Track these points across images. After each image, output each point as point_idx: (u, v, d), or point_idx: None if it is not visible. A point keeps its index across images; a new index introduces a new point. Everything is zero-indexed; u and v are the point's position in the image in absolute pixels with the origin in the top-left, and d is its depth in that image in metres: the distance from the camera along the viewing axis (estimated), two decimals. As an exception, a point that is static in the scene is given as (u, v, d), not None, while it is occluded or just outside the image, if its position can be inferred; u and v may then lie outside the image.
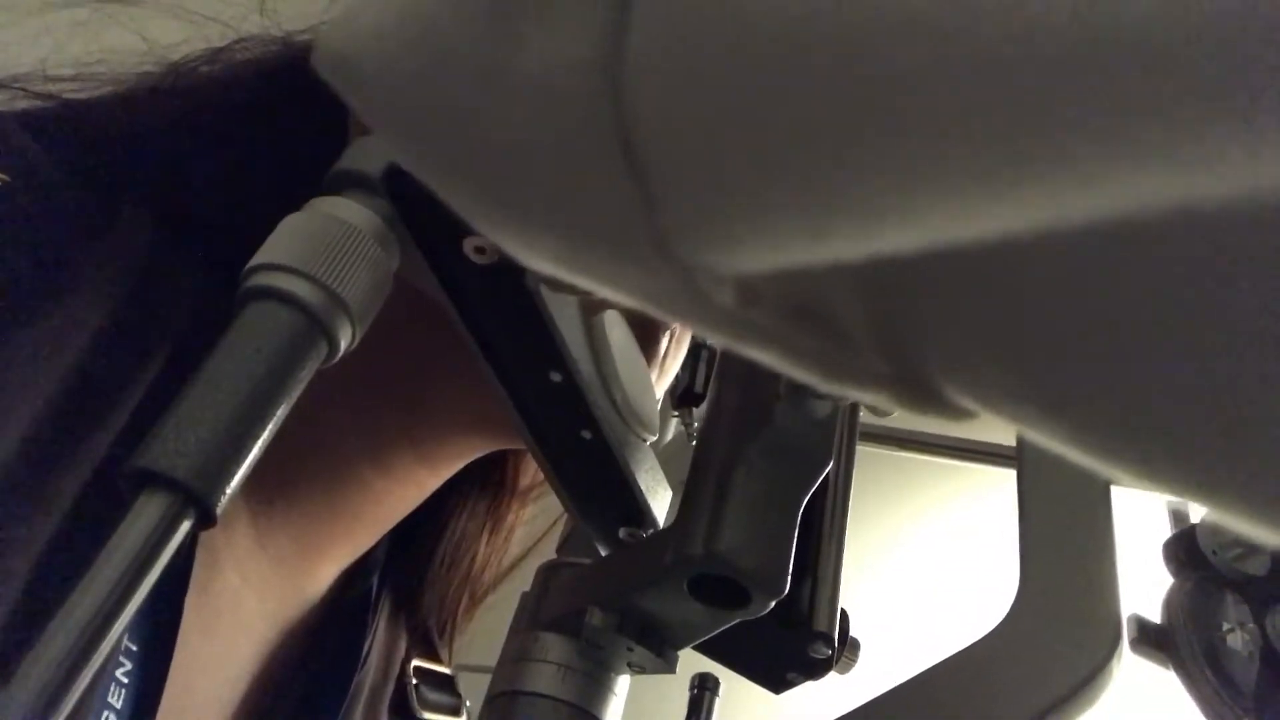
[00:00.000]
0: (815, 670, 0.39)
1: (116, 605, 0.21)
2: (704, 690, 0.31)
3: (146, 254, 0.32)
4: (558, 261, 0.13)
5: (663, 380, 0.43)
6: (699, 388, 0.57)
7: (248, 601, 0.38)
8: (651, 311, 0.14)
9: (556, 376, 0.34)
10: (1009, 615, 0.28)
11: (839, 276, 0.11)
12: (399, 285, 0.29)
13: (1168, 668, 0.57)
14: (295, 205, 0.28)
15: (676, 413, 0.59)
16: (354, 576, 0.44)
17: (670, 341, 0.42)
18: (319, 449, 0.39)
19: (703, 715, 0.29)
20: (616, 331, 0.35)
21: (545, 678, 0.28)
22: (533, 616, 0.30)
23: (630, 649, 0.29)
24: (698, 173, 0.10)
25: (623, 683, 0.30)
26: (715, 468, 0.28)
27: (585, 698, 0.28)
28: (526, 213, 0.12)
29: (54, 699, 0.19)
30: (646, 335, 0.39)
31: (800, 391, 0.28)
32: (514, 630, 0.30)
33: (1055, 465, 0.31)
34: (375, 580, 0.44)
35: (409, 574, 0.46)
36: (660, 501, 0.38)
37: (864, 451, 0.39)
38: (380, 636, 0.43)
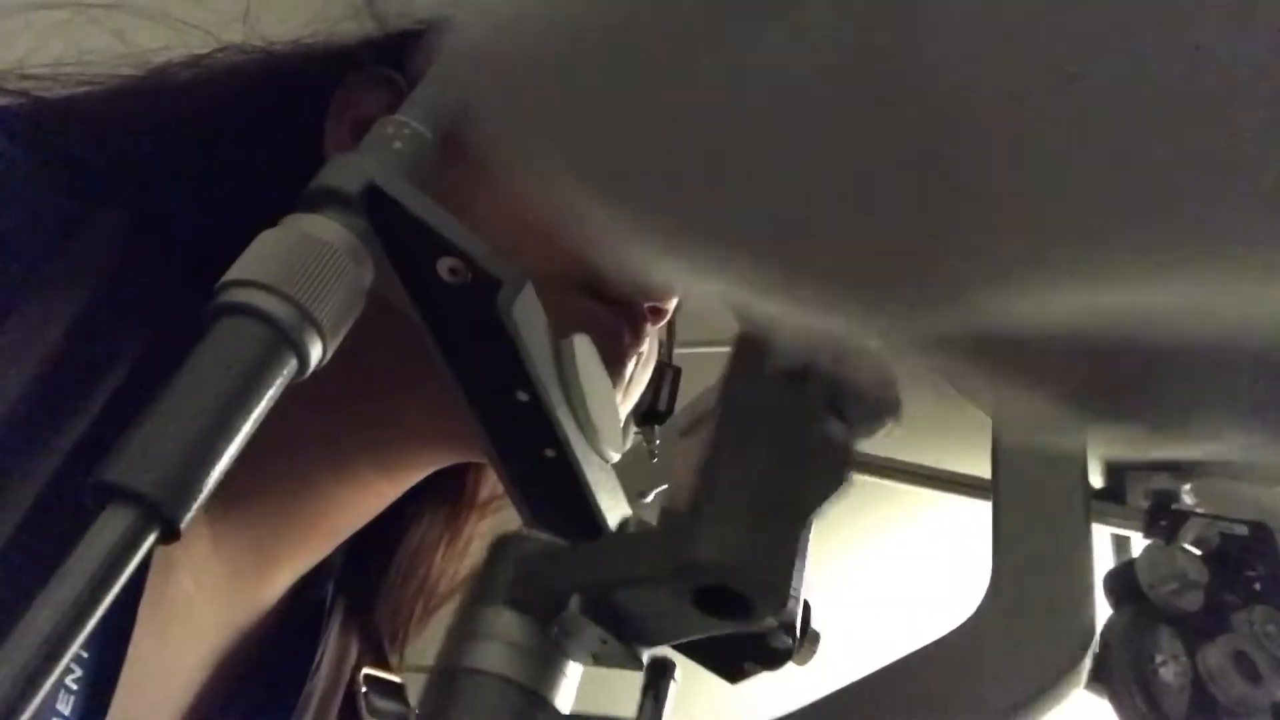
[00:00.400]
0: (774, 661, 0.38)
1: (77, 619, 0.21)
2: (659, 675, 0.29)
3: (118, 257, 0.32)
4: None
5: (627, 401, 0.44)
6: (662, 406, 0.57)
7: (201, 607, 0.37)
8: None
9: (523, 396, 0.34)
10: (976, 612, 0.26)
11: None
12: (371, 299, 0.29)
13: (1103, 696, 0.59)
14: (269, 214, 0.28)
15: (638, 429, 0.60)
16: (309, 583, 0.44)
17: (637, 365, 0.42)
18: (279, 457, 0.39)
19: (658, 701, 0.28)
20: (584, 353, 0.35)
21: (500, 657, 0.26)
22: (491, 591, 0.28)
23: (603, 641, 0.27)
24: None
25: (576, 669, 0.28)
26: (738, 476, 0.27)
27: (541, 683, 0.26)
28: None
29: (12, 712, 0.19)
30: (613, 357, 0.40)
31: (835, 411, 0.28)
32: (468, 603, 0.28)
33: (1034, 462, 0.29)
34: (330, 588, 0.44)
35: (364, 582, 0.46)
36: (617, 521, 0.38)
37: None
38: (332, 644, 0.43)
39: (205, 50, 0.39)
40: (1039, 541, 0.27)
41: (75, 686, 0.30)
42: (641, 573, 0.27)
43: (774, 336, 0.30)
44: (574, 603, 0.27)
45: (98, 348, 0.30)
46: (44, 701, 0.28)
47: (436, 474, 0.44)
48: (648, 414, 0.57)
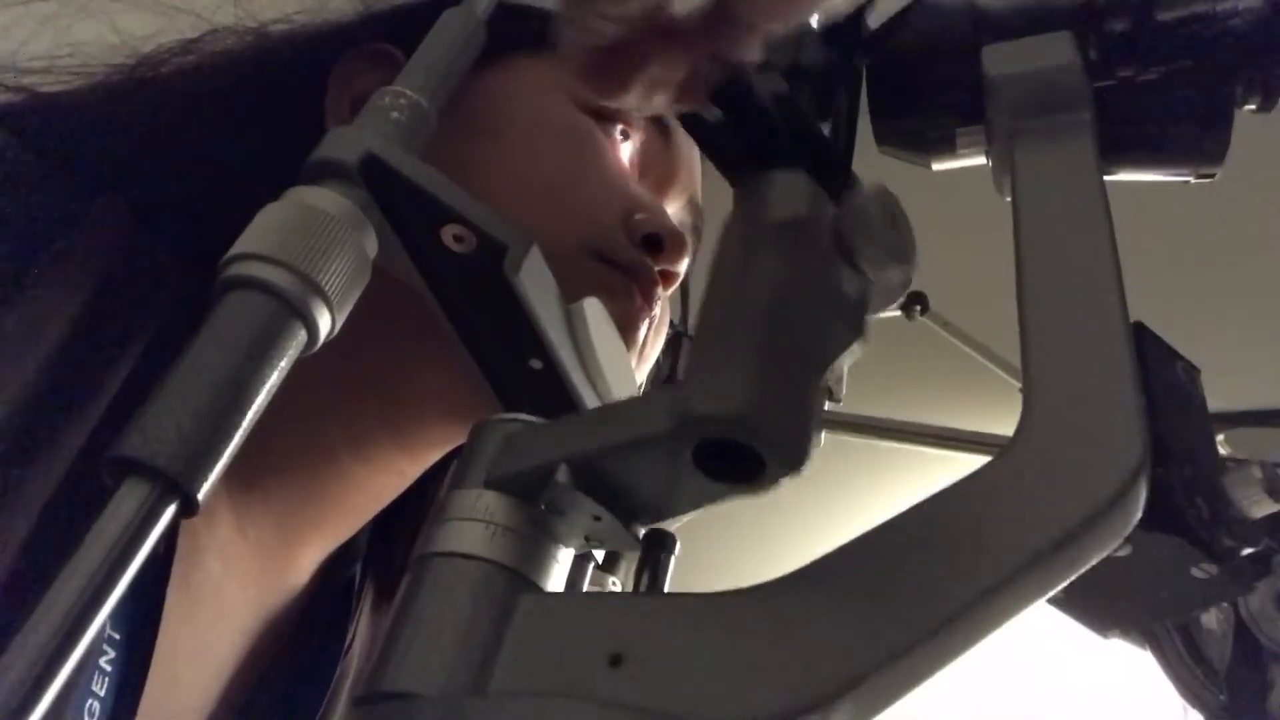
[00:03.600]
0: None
1: (99, 594, 0.21)
2: (657, 549, 0.26)
3: (121, 243, 0.32)
4: None
5: (642, 366, 0.44)
6: (680, 376, 0.57)
7: (229, 589, 0.38)
8: None
9: (537, 363, 0.34)
10: (1013, 440, 0.23)
11: None
12: (379, 273, 0.29)
13: (1144, 648, 0.58)
14: (271, 194, 0.28)
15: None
16: (337, 564, 0.44)
17: (649, 328, 0.42)
18: (298, 436, 0.39)
19: (658, 575, 0.25)
20: (596, 318, 0.35)
21: (481, 539, 0.23)
22: (468, 474, 0.25)
23: (597, 518, 0.24)
24: None
25: (567, 554, 0.25)
26: (739, 323, 0.24)
27: (526, 564, 0.23)
28: None
29: (36, 687, 0.19)
30: (626, 321, 0.40)
31: (846, 258, 0.26)
32: (447, 489, 0.25)
33: (1062, 274, 0.26)
34: (358, 568, 0.44)
35: (392, 562, 0.46)
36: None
37: (843, 442, 0.38)
38: (364, 624, 0.43)
39: (196, 35, 0.39)
40: (1074, 350, 0.24)
41: (109, 668, 0.30)
42: (635, 434, 0.23)
43: (774, 183, 0.28)
44: (562, 474, 0.24)
45: (109, 332, 0.30)
46: (78, 681, 0.28)
47: (458, 450, 0.44)
48: (667, 383, 0.57)
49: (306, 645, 0.41)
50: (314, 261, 0.26)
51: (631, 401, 0.26)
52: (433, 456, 0.42)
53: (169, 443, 0.22)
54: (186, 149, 0.37)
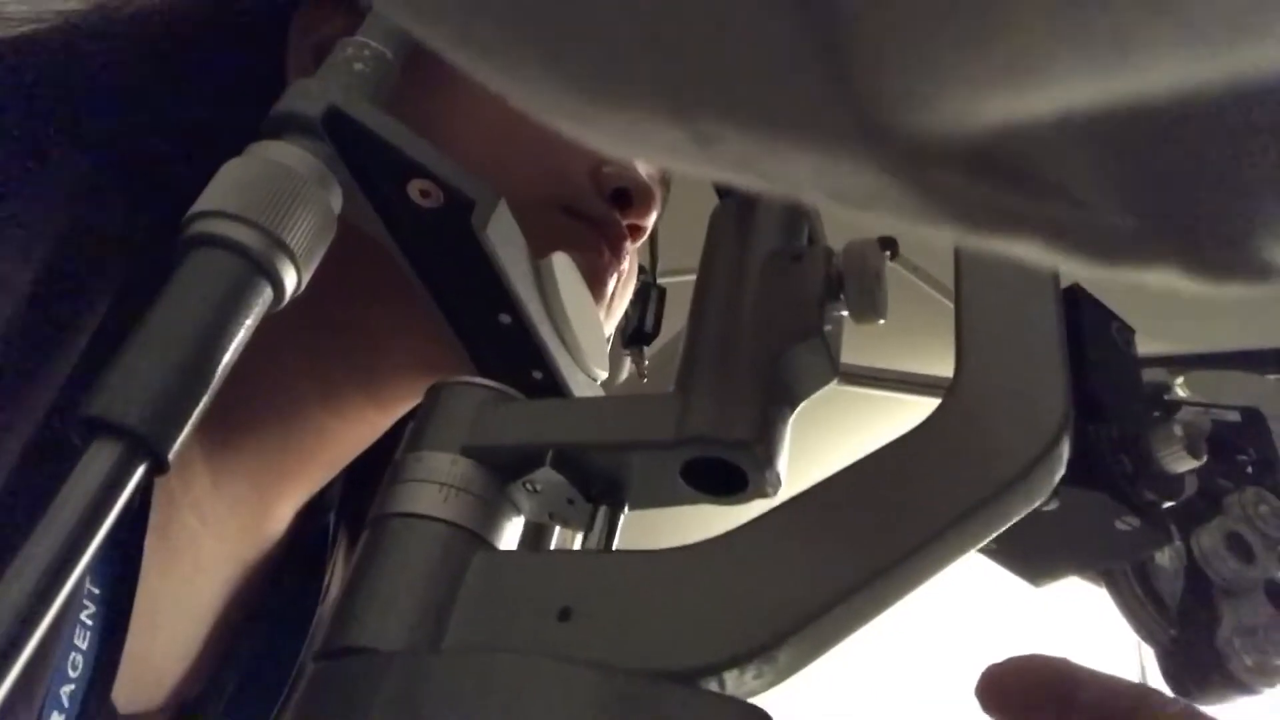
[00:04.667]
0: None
1: (72, 553, 0.21)
2: (604, 505, 0.27)
3: (82, 195, 0.32)
4: (738, 165, 0.12)
5: (610, 319, 0.44)
6: (649, 327, 0.57)
7: (206, 542, 0.38)
8: (837, 205, 0.13)
9: (506, 318, 0.34)
10: (943, 404, 0.24)
11: (1057, 131, 0.11)
12: (347, 228, 0.29)
13: (1099, 585, 0.60)
14: (236, 144, 0.27)
15: (626, 350, 0.60)
16: (312, 514, 0.44)
17: (618, 282, 0.42)
18: (270, 390, 0.39)
19: (600, 535, 0.26)
20: (564, 272, 0.35)
21: (445, 502, 0.24)
22: (441, 437, 0.25)
23: (570, 501, 0.26)
24: (892, 23, 0.09)
25: (519, 522, 0.27)
26: (742, 347, 0.26)
27: (485, 526, 0.24)
28: (698, 103, 0.11)
29: (13, 645, 0.20)
30: (594, 276, 0.40)
31: (839, 294, 0.28)
32: (406, 449, 0.26)
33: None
34: (332, 517, 0.45)
35: (365, 509, 0.46)
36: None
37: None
38: (339, 572, 0.44)
39: None
40: (1005, 321, 0.26)
41: (90, 622, 0.30)
42: (635, 437, 0.25)
43: (765, 210, 0.29)
44: (550, 458, 0.25)
45: (72, 288, 0.30)
46: (60, 636, 0.28)
47: None
48: (635, 335, 0.57)
49: (285, 592, 0.42)
50: (278, 218, 0.26)
51: (631, 403, 0.27)
52: (403, 407, 0.42)
53: (137, 402, 0.22)
54: (145, 101, 0.36)
